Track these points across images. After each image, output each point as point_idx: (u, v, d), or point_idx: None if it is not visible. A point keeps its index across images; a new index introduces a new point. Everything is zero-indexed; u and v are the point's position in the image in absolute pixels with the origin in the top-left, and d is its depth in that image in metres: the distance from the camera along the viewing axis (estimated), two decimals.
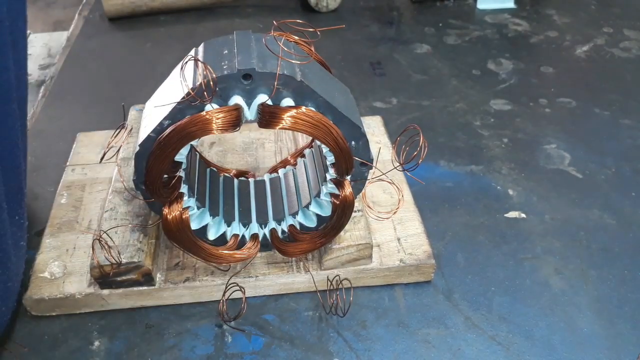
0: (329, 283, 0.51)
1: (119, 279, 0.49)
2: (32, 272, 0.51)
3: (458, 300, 0.52)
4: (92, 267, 0.48)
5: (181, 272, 0.51)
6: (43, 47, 1.07)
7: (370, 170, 0.47)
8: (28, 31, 1.12)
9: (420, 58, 0.88)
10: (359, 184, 0.48)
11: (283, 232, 0.51)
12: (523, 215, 0.61)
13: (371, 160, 0.46)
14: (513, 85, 0.82)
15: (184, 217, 0.47)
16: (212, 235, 0.50)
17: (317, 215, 0.50)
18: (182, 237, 0.47)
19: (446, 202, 0.62)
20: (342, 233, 0.50)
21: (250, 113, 0.42)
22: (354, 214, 0.51)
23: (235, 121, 0.41)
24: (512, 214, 0.61)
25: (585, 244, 0.58)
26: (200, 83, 0.40)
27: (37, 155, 0.69)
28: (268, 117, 0.41)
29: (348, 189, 0.46)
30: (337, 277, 0.51)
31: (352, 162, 0.45)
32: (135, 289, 0.50)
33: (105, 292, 0.50)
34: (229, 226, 0.51)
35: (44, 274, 0.51)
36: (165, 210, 0.46)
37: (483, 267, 0.55)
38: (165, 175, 0.44)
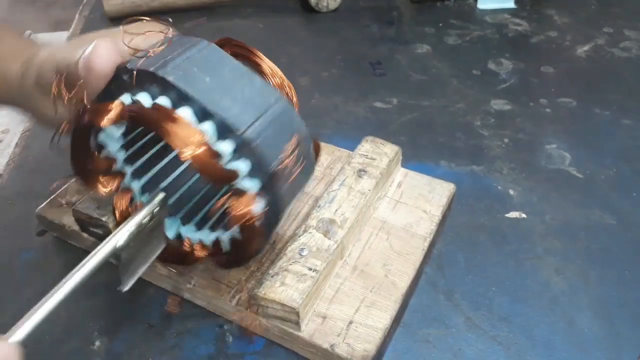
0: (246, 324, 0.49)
1: (90, 228, 0.53)
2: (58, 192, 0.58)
3: (459, 300, 0.52)
4: (73, 210, 0.53)
5: None
6: None
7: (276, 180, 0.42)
8: (29, 31, 1.12)
9: (420, 58, 0.88)
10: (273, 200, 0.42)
11: (226, 241, 0.47)
12: (524, 215, 0.61)
13: (271, 173, 0.41)
14: (513, 85, 0.82)
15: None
16: (168, 234, 0.49)
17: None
18: None
19: None
20: (277, 284, 0.46)
21: None
22: (306, 271, 0.47)
23: (118, 116, 0.41)
24: (513, 214, 0.61)
25: (586, 244, 0.58)
26: None
27: (37, 155, 0.69)
28: (130, 115, 0.40)
29: (236, 201, 0.42)
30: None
31: (211, 168, 0.40)
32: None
33: (84, 234, 0.54)
34: (184, 226, 0.50)
35: (62, 199, 0.58)
36: (113, 204, 0.47)
37: (484, 267, 0.55)
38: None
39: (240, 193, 0.41)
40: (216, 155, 0.40)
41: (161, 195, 0.46)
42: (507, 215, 0.61)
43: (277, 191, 0.42)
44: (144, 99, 0.40)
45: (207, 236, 0.48)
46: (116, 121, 0.41)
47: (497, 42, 0.92)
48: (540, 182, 0.65)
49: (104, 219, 0.51)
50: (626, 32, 0.94)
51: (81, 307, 0.52)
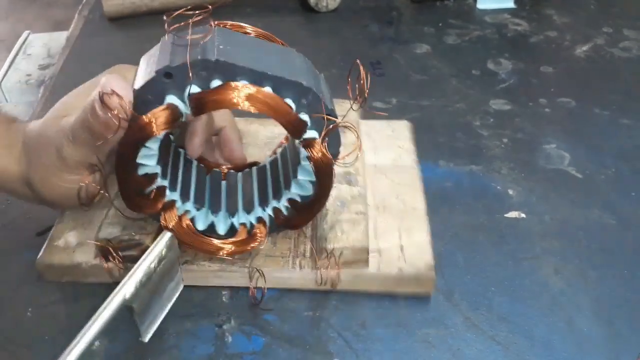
0: (322, 281, 0.51)
1: (121, 253, 0.50)
2: (48, 239, 0.54)
3: (458, 300, 0.52)
4: (100, 241, 0.51)
5: (182, 255, 0.51)
6: (43, 47, 1.07)
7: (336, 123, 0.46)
8: (28, 31, 1.12)
9: (420, 58, 0.88)
10: (333, 138, 0.46)
11: (285, 207, 0.51)
12: (523, 215, 0.61)
13: (330, 112, 0.44)
14: (513, 85, 0.82)
15: (185, 223, 0.48)
16: (221, 230, 0.51)
17: (309, 182, 0.49)
18: (191, 241, 0.49)
19: (446, 202, 0.62)
20: (338, 233, 0.50)
21: (186, 107, 0.43)
22: (354, 216, 0.52)
23: (169, 119, 0.42)
24: (512, 214, 0.61)
25: (585, 244, 0.58)
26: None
27: None
28: (195, 104, 0.42)
29: (318, 150, 0.45)
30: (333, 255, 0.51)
31: (291, 120, 0.43)
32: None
33: (110, 264, 0.51)
34: (233, 217, 0.51)
35: (58, 242, 0.53)
36: (163, 222, 0.47)
37: (483, 267, 0.55)
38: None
39: (309, 142, 0.45)
40: (286, 106, 0.43)
41: (167, 236, 0.47)
42: (506, 215, 0.61)
43: (337, 134, 0.46)
44: (196, 89, 0.41)
45: (263, 212, 0.51)
46: (170, 124, 0.42)
47: (496, 42, 0.92)
48: (540, 182, 0.65)
49: (137, 237, 0.51)
50: (626, 32, 0.94)
51: (81, 307, 0.52)
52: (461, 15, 0.99)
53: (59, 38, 1.05)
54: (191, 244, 0.49)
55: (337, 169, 0.53)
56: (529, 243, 0.58)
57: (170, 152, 0.51)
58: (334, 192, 0.52)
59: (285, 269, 0.52)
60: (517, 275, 0.55)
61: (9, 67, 1.03)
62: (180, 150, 0.54)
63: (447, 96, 0.80)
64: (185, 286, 0.52)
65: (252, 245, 0.50)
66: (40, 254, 0.53)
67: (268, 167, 0.55)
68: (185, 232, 0.49)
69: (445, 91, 0.81)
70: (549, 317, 0.51)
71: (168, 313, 0.51)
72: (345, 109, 0.58)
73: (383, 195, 0.58)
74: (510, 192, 0.64)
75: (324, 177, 0.47)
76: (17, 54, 1.06)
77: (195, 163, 0.55)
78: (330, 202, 0.52)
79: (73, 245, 0.53)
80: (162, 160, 0.48)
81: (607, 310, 0.51)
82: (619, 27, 0.95)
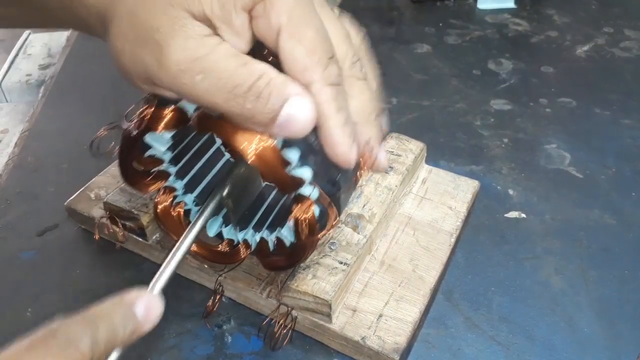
0: (279, 317, 0.48)
1: (121, 221, 0.53)
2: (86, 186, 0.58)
3: (458, 300, 0.52)
4: (104, 202, 0.53)
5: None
6: (43, 47, 1.07)
7: (341, 190, 0.42)
8: (28, 31, 1.12)
9: (420, 58, 0.88)
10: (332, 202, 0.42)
11: (273, 243, 0.48)
12: (523, 215, 0.61)
13: (335, 182, 0.41)
14: (513, 85, 0.82)
15: (177, 211, 0.48)
16: (211, 232, 0.50)
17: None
18: (172, 228, 0.49)
19: None
20: (309, 276, 0.47)
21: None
22: (337, 264, 0.48)
23: (173, 122, 0.41)
24: (512, 214, 0.61)
25: (586, 244, 0.58)
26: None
27: (37, 155, 0.69)
28: (198, 118, 0.40)
29: (304, 211, 0.41)
30: (290, 315, 0.47)
31: (279, 177, 0.39)
32: (133, 236, 0.54)
33: (114, 228, 0.54)
34: (226, 226, 0.51)
35: (91, 192, 0.57)
36: (157, 199, 0.48)
37: (483, 267, 0.55)
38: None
39: (300, 199, 0.41)
40: (284, 162, 0.39)
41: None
42: (506, 215, 0.61)
43: (338, 199, 0.42)
44: None
45: (252, 236, 0.49)
46: (173, 127, 0.41)
47: (497, 42, 0.92)
48: (540, 182, 0.65)
49: (135, 211, 0.52)
50: (626, 31, 0.94)
51: (81, 307, 0.52)
52: (462, 15, 0.99)
53: (59, 38, 1.05)
54: (171, 230, 0.49)
55: (352, 209, 0.52)
56: (529, 243, 0.58)
57: (199, 141, 0.51)
58: (333, 232, 0.49)
59: (254, 292, 0.49)
60: (517, 275, 0.54)
61: (9, 67, 1.03)
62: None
63: (448, 96, 0.80)
64: (185, 286, 0.53)
65: (227, 261, 0.49)
66: (72, 197, 0.57)
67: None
68: (170, 217, 0.48)
69: (446, 91, 0.81)
70: (549, 317, 0.51)
71: (168, 313, 0.51)
72: (406, 148, 0.55)
73: (396, 253, 0.53)
74: (511, 192, 0.64)
75: (300, 241, 0.44)
76: (17, 54, 1.07)
77: (225, 157, 0.54)
78: (324, 241, 0.49)
79: (100, 199, 0.55)
80: (176, 148, 0.47)
81: (608, 310, 0.51)
82: (619, 27, 0.95)
